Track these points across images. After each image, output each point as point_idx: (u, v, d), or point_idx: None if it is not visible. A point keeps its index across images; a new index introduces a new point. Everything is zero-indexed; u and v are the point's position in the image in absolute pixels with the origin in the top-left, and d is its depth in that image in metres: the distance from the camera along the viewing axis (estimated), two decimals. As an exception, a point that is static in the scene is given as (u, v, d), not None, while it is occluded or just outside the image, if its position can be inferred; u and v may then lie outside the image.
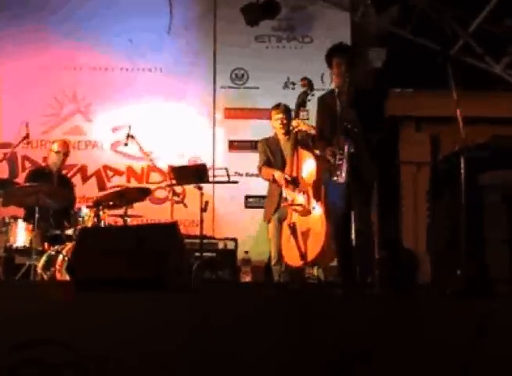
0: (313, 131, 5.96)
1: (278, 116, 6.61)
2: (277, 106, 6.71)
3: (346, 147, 5.28)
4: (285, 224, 6.08)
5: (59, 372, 3.38)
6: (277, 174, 6.33)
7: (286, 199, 6.09)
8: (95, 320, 3.50)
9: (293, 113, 6.38)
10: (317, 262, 5.94)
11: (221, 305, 3.62)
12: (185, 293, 4.04)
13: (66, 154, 7.32)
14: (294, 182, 6.07)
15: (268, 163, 6.62)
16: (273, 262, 6.40)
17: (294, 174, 6.08)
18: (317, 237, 5.80)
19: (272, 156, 6.61)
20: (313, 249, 5.79)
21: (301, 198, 6.01)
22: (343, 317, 3.46)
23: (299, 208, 5.97)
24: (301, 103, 6.14)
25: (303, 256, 5.81)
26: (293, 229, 5.91)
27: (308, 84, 6.10)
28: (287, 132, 6.43)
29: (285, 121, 6.54)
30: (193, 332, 3.46)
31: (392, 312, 3.53)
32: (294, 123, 6.14)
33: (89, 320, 3.50)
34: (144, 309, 3.55)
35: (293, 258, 5.94)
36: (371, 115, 5.33)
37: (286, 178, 6.12)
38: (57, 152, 7.24)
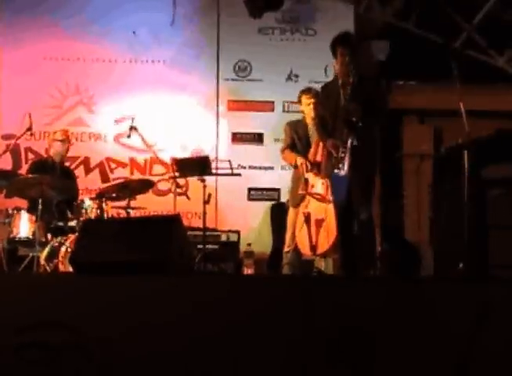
0: None
1: (309, 101, 6.48)
2: (308, 91, 6.59)
3: (349, 141, 5.26)
4: (300, 211, 6.03)
5: (62, 354, 3.41)
6: (299, 160, 6.25)
7: (307, 182, 6.02)
8: (97, 303, 3.53)
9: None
10: (327, 254, 5.91)
11: (222, 290, 3.64)
12: (187, 276, 4.05)
13: (69, 142, 7.36)
14: (317, 168, 5.97)
15: (292, 146, 6.54)
16: (285, 249, 6.38)
17: (318, 160, 5.96)
18: (330, 230, 5.70)
19: (299, 140, 6.51)
20: (324, 242, 5.74)
21: (320, 186, 5.94)
22: (345, 301, 3.48)
23: (317, 196, 5.91)
24: None
25: (313, 248, 5.79)
26: (307, 218, 5.85)
27: None
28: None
29: (315, 106, 6.38)
30: (194, 315, 3.48)
31: (394, 295, 3.55)
32: None
33: (92, 303, 3.52)
34: (146, 291, 3.57)
35: (304, 247, 5.94)
36: (374, 102, 5.30)
37: (308, 164, 6.02)
38: (62, 140, 7.26)
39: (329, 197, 5.81)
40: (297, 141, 6.52)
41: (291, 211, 6.43)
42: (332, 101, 5.52)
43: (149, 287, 3.62)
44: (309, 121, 6.48)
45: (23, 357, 3.40)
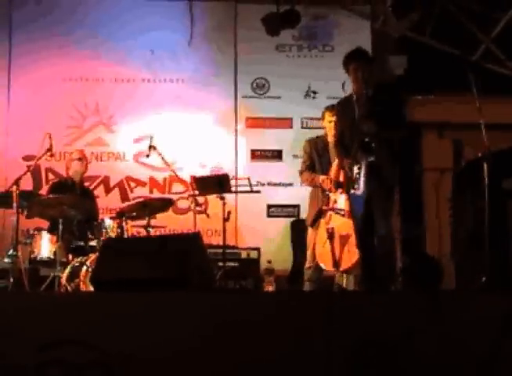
0: None
1: (331, 118, 6.33)
2: (332, 108, 6.38)
3: (363, 162, 5.21)
4: (322, 227, 5.94)
5: (83, 372, 3.41)
6: (322, 178, 6.13)
7: (328, 198, 5.91)
8: (118, 320, 3.53)
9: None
10: (350, 270, 5.81)
11: (242, 304, 3.63)
12: (207, 292, 4.04)
13: (87, 161, 7.40)
14: (340, 186, 5.86)
15: (310, 166, 6.47)
16: (306, 266, 6.33)
17: (341, 178, 5.80)
18: (355, 246, 5.60)
19: (318, 157, 6.38)
20: (349, 258, 5.63)
21: (344, 202, 5.77)
22: (366, 315, 3.46)
23: (341, 212, 5.77)
24: None
25: (336, 263, 5.70)
26: (331, 234, 5.73)
27: None
28: None
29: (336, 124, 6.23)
30: (215, 331, 3.47)
31: (415, 309, 3.53)
32: None
33: (113, 320, 3.52)
34: (167, 308, 3.57)
35: (326, 263, 5.84)
36: (391, 112, 5.25)
37: (331, 181, 5.90)
38: (79, 159, 7.30)
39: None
40: (316, 159, 6.43)
41: (309, 230, 6.39)
42: (349, 117, 5.48)
43: (169, 303, 3.61)
44: (330, 139, 6.45)
45: None
